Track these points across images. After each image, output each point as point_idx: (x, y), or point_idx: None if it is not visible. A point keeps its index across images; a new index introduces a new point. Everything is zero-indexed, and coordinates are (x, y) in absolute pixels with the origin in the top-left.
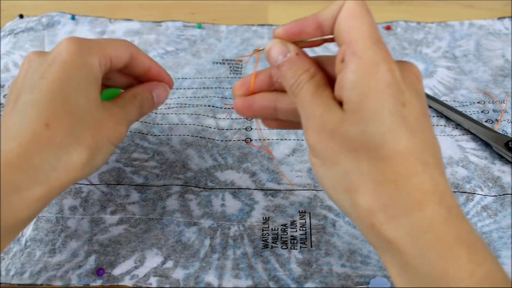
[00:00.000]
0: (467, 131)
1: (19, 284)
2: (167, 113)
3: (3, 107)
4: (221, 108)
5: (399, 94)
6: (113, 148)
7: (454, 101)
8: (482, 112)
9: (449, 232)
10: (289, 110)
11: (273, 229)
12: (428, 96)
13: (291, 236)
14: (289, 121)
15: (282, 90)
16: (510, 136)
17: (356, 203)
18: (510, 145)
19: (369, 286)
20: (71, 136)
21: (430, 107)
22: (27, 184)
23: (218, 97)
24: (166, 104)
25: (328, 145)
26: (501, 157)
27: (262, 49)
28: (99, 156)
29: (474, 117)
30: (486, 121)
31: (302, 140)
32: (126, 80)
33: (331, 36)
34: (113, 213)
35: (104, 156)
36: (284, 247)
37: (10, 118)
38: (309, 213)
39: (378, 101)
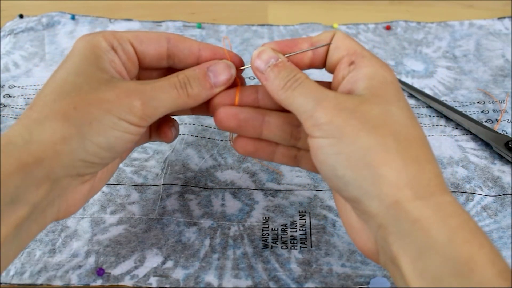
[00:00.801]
0: (467, 131)
1: (19, 284)
2: None
3: (3, 107)
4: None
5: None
6: (125, 125)
7: (454, 101)
8: (482, 112)
9: (472, 220)
10: (278, 124)
11: (273, 229)
12: (428, 96)
13: (291, 236)
14: (267, 143)
15: (267, 108)
16: (510, 136)
17: (381, 178)
18: (510, 145)
19: (369, 286)
20: (48, 110)
21: (430, 107)
22: None
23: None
24: None
25: (349, 122)
26: (501, 157)
27: (245, 68)
28: (95, 128)
29: (474, 117)
30: (486, 121)
31: None
32: None
33: (318, 47)
34: (113, 213)
35: (107, 130)
36: (284, 247)
37: None
38: (309, 213)
39: (394, 88)
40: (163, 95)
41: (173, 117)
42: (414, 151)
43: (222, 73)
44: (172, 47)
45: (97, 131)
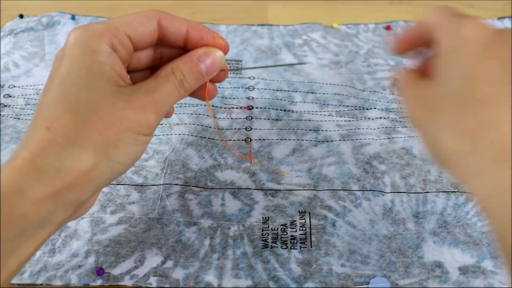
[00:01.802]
0: None
1: (19, 284)
2: None
3: (3, 107)
4: (221, 108)
5: None
6: (143, 138)
7: None
8: None
9: None
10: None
11: (273, 229)
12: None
13: (291, 236)
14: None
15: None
16: None
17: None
18: None
19: (369, 286)
20: (72, 135)
21: None
22: (29, 186)
23: (218, 96)
24: None
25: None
26: None
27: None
28: (120, 149)
29: None
30: None
31: (302, 140)
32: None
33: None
34: (113, 213)
35: (130, 147)
36: (284, 247)
37: None
38: (309, 213)
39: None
40: (169, 98)
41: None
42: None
43: (212, 61)
44: (162, 28)
45: (122, 151)
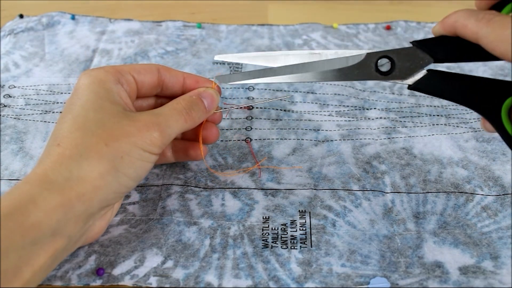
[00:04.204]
0: (467, 131)
1: None
2: None
3: (3, 107)
4: (221, 108)
5: None
6: (148, 156)
7: None
8: None
9: None
10: None
11: (273, 228)
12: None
13: (291, 235)
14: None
15: None
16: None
17: None
18: (380, 68)
19: (369, 286)
20: (80, 148)
21: (430, 106)
22: (40, 195)
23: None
24: None
25: None
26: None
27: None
28: (126, 162)
29: (474, 116)
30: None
31: (302, 139)
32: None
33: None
34: None
35: (135, 162)
36: (284, 247)
37: None
38: (309, 212)
39: None
40: (175, 123)
41: None
42: None
43: (211, 98)
44: (162, 75)
45: (128, 164)
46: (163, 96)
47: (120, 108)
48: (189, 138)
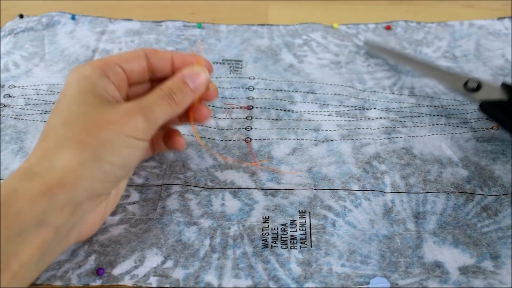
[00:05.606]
0: (467, 130)
1: None
2: None
3: (3, 107)
4: (221, 108)
5: None
6: (134, 142)
7: (454, 99)
8: None
9: None
10: None
11: (273, 228)
12: (382, 48)
13: (291, 235)
14: None
15: None
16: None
17: None
18: (468, 85)
19: (369, 286)
20: (62, 140)
21: (430, 106)
22: (22, 186)
23: (218, 97)
24: None
25: None
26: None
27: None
28: (109, 149)
29: (475, 116)
30: (486, 119)
31: (302, 139)
32: None
33: None
34: (113, 213)
35: (120, 149)
36: (284, 246)
37: None
38: (309, 212)
39: None
40: (158, 107)
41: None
42: None
43: (197, 77)
44: (150, 60)
45: (111, 151)
46: (157, 80)
47: (104, 100)
48: (184, 120)
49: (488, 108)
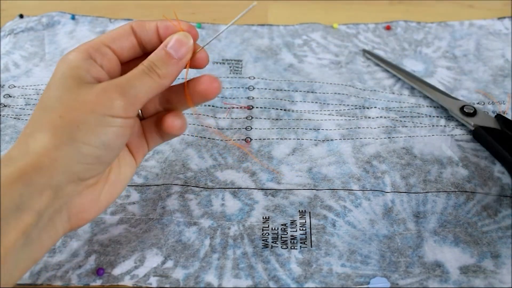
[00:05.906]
0: (467, 131)
1: (19, 284)
2: None
3: (3, 107)
4: (221, 107)
5: None
6: (110, 120)
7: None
8: None
9: None
10: None
11: (273, 228)
12: (381, 59)
13: (291, 236)
14: None
15: None
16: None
17: None
18: (465, 110)
19: (369, 286)
20: (38, 124)
21: (430, 106)
22: (1, 172)
23: (218, 96)
24: None
25: None
26: (462, 125)
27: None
28: (84, 130)
29: None
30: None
31: (302, 139)
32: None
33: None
34: (113, 213)
35: (95, 128)
36: (284, 247)
37: None
38: (309, 212)
39: None
40: (138, 82)
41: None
42: None
43: (180, 46)
44: (137, 34)
45: (86, 132)
46: (150, 53)
47: (83, 82)
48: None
49: (481, 136)
